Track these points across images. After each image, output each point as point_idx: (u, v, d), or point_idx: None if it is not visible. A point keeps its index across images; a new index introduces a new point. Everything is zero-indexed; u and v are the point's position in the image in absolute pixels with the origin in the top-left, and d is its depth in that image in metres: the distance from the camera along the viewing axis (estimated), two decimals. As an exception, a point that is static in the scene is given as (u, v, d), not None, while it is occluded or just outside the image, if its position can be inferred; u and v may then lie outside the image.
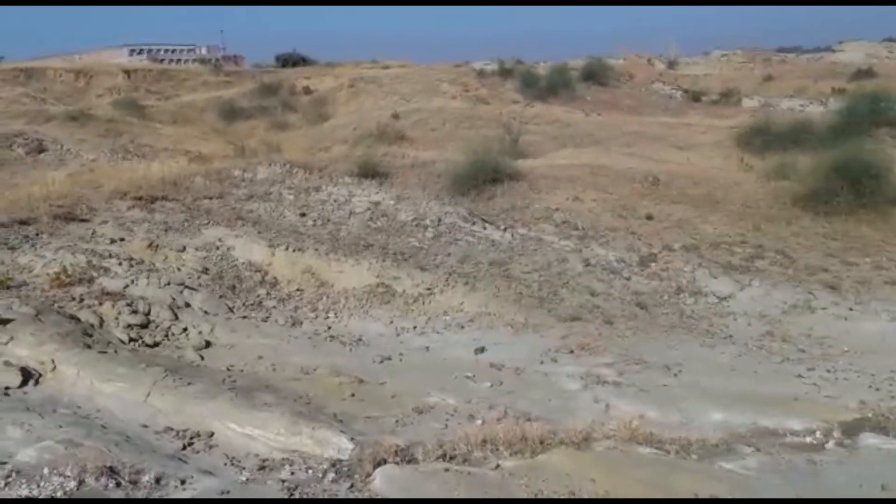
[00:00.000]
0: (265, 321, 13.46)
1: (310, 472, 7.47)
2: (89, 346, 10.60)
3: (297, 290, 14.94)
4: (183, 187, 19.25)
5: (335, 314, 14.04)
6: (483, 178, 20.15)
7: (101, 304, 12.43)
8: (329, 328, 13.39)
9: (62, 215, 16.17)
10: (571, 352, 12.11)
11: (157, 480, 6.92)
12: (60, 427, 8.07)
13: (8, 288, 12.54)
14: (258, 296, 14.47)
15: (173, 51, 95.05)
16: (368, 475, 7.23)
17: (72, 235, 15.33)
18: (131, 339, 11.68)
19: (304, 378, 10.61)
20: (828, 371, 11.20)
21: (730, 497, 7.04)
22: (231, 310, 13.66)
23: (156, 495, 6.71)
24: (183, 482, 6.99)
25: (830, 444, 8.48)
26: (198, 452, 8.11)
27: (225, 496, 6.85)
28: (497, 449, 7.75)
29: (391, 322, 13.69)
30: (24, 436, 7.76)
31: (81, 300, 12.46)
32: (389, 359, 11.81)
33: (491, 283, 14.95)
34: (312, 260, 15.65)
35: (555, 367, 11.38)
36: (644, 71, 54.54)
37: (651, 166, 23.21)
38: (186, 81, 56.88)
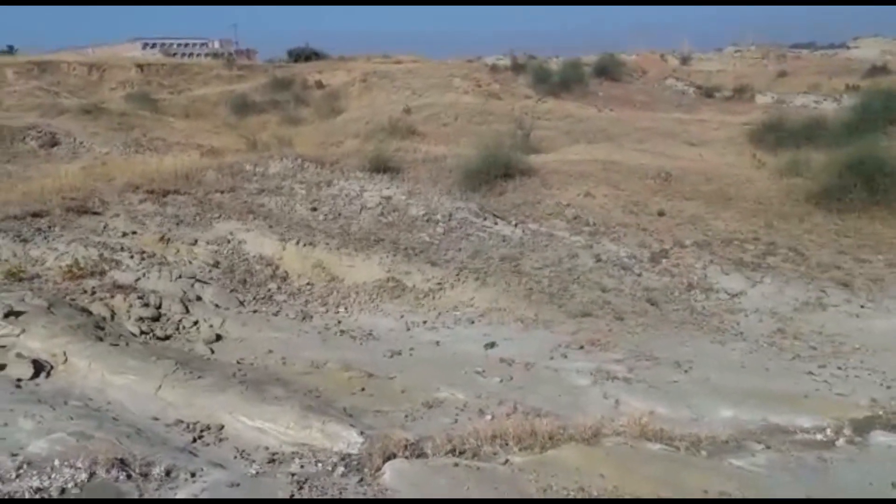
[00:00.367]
0: (276, 315, 13.49)
1: (319, 465, 7.50)
2: (101, 339, 10.65)
3: (308, 284, 14.96)
4: (195, 181, 19.29)
5: (345, 308, 14.06)
6: (495, 173, 20.11)
7: (112, 296, 12.49)
8: (339, 322, 13.41)
9: (74, 208, 16.23)
10: (581, 347, 12.08)
11: (168, 473, 6.97)
12: (72, 419, 8.12)
13: (20, 280, 12.63)
14: (269, 290, 14.51)
15: (186, 45, 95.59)
16: (378, 469, 7.25)
17: (84, 228, 15.40)
18: (142, 332, 11.73)
19: (315, 372, 10.65)
20: (839, 368, 11.14)
21: (739, 496, 7.03)
22: (242, 303, 13.70)
23: (166, 488, 6.75)
24: (193, 475, 7.03)
25: (841, 442, 8.46)
26: (208, 445, 8.16)
27: (235, 489, 6.88)
28: (507, 444, 7.77)
29: (401, 317, 13.69)
30: (36, 427, 7.81)
31: (93, 293, 12.53)
32: (399, 353, 11.82)
33: (501, 279, 14.93)
34: (323, 254, 15.67)
35: (565, 363, 11.36)
36: (657, 67, 54.47)
37: (663, 162, 23.14)
38: (199, 75, 56.95)
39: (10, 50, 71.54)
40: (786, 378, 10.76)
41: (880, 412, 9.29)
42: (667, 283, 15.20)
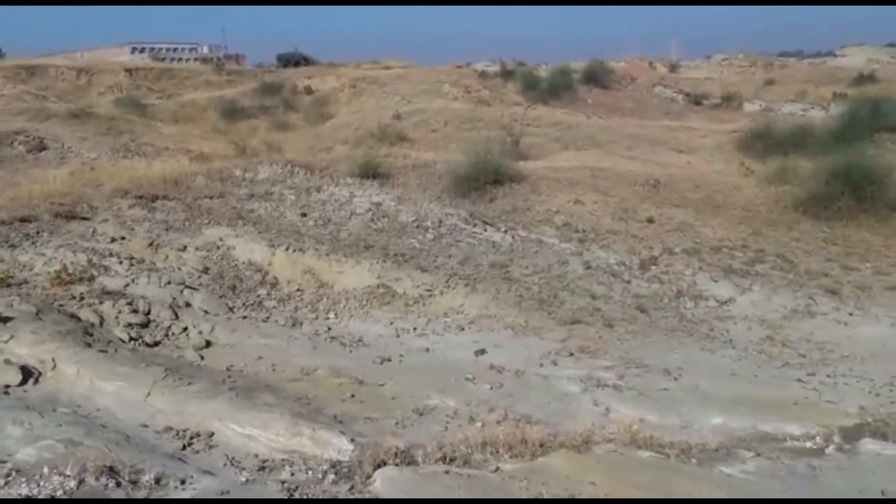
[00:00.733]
0: (265, 321, 13.45)
1: (310, 473, 7.47)
2: (89, 345, 10.60)
3: (298, 290, 14.93)
4: (184, 186, 19.24)
5: (335, 315, 14.04)
6: (484, 179, 20.16)
7: (101, 302, 12.43)
8: (329, 329, 13.39)
9: (63, 213, 16.17)
10: (571, 354, 12.10)
11: (157, 480, 6.92)
12: (60, 426, 8.06)
13: (8, 286, 12.54)
14: (258, 296, 14.47)
15: (175, 49, 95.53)
16: (368, 477, 7.23)
17: (72, 234, 15.33)
18: (131, 339, 11.68)
19: (305, 379, 10.61)
20: (828, 376, 11.20)
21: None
22: (231, 310, 13.66)
23: (156, 495, 6.71)
24: (183, 482, 6.99)
25: (830, 450, 8.49)
26: (197, 452, 8.10)
27: (225, 496, 6.85)
28: (497, 451, 7.76)
29: (391, 323, 13.68)
30: (24, 434, 7.75)
31: (82, 299, 12.46)
32: (389, 360, 11.80)
33: (491, 285, 14.94)
34: (313, 260, 15.64)
35: (555, 370, 11.37)
36: (646, 74, 54.64)
37: (652, 169, 23.24)
38: (188, 80, 56.77)
39: (-2, 54, 71.20)
40: (775, 385, 10.80)
41: (869, 419, 9.32)
42: (656, 290, 15.24)
